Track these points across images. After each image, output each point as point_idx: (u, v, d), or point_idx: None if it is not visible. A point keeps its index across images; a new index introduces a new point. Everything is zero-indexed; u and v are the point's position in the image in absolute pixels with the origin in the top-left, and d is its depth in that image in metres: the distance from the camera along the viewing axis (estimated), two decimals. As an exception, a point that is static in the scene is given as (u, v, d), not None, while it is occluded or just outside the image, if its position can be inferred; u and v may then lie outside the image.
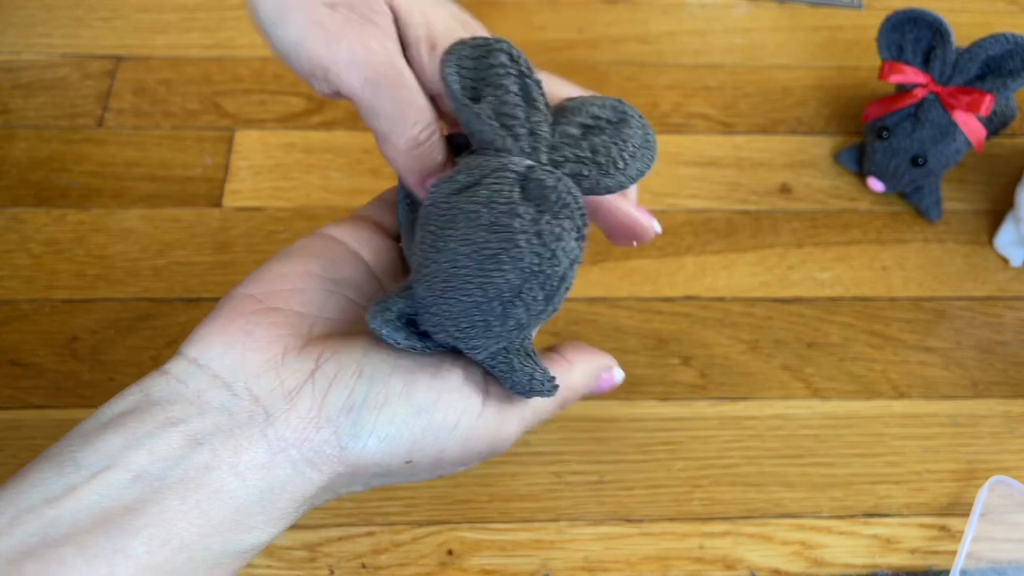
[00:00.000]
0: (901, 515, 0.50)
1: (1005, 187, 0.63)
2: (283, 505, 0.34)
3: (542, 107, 0.36)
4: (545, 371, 0.37)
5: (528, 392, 0.37)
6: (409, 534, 0.48)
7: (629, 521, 0.50)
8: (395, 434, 0.35)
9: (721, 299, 0.58)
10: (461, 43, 0.36)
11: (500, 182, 0.33)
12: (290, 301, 0.36)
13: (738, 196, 0.62)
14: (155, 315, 0.55)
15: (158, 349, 0.53)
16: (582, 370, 0.40)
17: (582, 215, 0.34)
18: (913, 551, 0.49)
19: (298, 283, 0.37)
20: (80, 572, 0.30)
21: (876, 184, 0.61)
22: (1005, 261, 0.60)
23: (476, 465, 0.39)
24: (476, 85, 0.35)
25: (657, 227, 0.41)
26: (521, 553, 0.48)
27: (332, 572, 0.47)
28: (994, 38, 0.56)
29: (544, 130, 0.35)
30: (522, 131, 0.35)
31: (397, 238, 0.41)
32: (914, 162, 0.59)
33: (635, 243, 0.42)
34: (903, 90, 0.60)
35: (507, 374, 0.36)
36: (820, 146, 0.65)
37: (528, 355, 0.37)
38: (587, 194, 0.35)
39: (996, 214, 0.62)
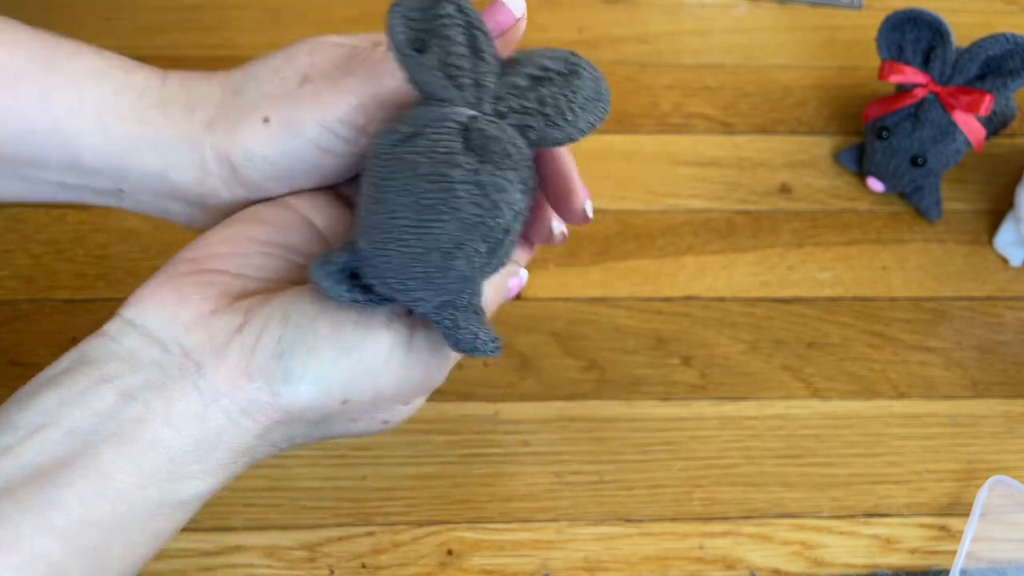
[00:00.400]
0: (901, 515, 0.50)
1: (1005, 187, 0.63)
2: (220, 455, 0.35)
3: (489, 58, 0.35)
4: (490, 331, 0.36)
5: (471, 351, 0.36)
6: (409, 534, 0.48)
7: (629, 521, 0.50)
8: (326, 375, 0.35)
9: (721, 299, 0.58)
10: None
11: (441, 132, 0.33)
12: (225, 263, 0.37)
13: (738, 196, 0.62)
14: (155, 315, 0.55)
15: (158, 349, 0.53)
16: (491, 286, 0.39)
17: (528, 167, 0.34)
18: (913, 551, 0.49)
19: (237, 247, 0.38)
20: (14, 523, 0.31)
21: (876, 184, 0.61)
22: (1005, 261, 0.60)
23: (418, 404, 0.40)
24: (422, 36, 0.35)
25: (590, 210, 0.40)
26: (521, 553, 0.48)
27: (332, 572, 0.47)
28: (994, 38, 0.56)
29: (490, 81, 0.35)
30: (467, 82, 0.34)
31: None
32: (914, 162, 0.59)
33: (561, 232, 0.41)
34: (903, 90, 0.60)
35: (451, 331, 0.35)
36: (820, 146, 0.65)
37: (475, 313, 0.36)
38: (535, 146, 0.35)
39: (996, 214, 0.62)
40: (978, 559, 0.48)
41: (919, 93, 0.59)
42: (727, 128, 0.65)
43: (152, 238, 0.57)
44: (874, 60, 0.60)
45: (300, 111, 0.38)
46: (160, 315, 0.35)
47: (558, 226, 0.41)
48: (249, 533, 0.48)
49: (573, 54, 0.36)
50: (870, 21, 0.69)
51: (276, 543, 0.48)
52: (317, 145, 0.38)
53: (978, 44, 0.56)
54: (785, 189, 0.62)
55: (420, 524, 0.49)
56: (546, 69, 0.35)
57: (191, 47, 0.66)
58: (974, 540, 0.48)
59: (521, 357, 0.54)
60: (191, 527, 0.47)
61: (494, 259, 0.34)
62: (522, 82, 0.35)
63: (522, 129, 0.34)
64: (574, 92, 0.35)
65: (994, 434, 0.53)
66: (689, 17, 0.71)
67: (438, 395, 0.52)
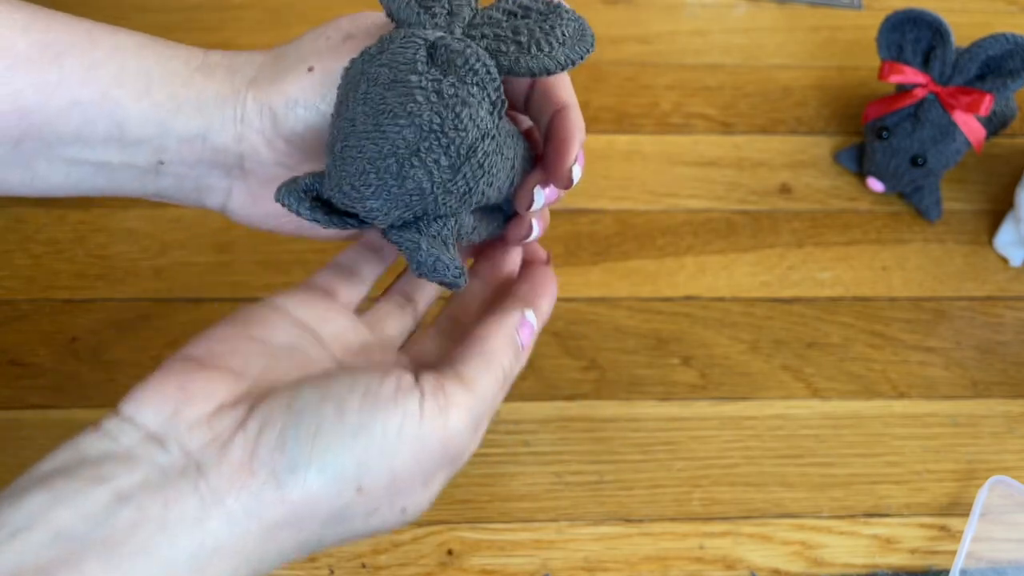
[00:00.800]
0: (901, 515, 0.50)
1: (1005, 187, 0.63)
2: (219, 566, 0.32)
3: None
4: (455, 259, 0.35)
5: (432, 274, 0.35)
6: (409, 534, 0.48)
7: (629, 521, 0.50)
8: (334, 461, 0.33)
9: (721, 299, 0.58)
10: None
11: (406, 46, 0.33)
12: (229, 362, 0.36)
13: (738, 196, 0.62)
14: (155, 315, 0.55)
15: (158, 349, 0.53)
16: (499, 337, 0.38)
17: (496, 88, 0.33)
18: (913, 551, 0.49)
19: (237, 345, 0.36)
20: None
21: (876, 184, 0.61)
22: (1005, 261, 0.60)
23: (443, 483, 0.37)
24: None
25: (577, 174, 0.39)
26: (521, 553, 0.48)
27: (332, 572, 0.47)
28: (994, 38, 0.56)
29: (465, 12, 0.35)
30: (440, 11, 0.34)
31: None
32: (914, 162, 0.59)
33: (544, 201, 0.40)
34: (903, 90, 0.60)
35: (412, 252, 0.35)
36: (820, 146, 0.65)
37: (442, 242, 0.35)
38: (507, 74, 0.34)
39: (996, 214, 0.62)
40: (978, 559, 0.48)
41: (919, 93, 0.59)
42: (727, 128, 0.65)
43: (152, 238, 0.57)
44: (874, 60, 0.61)
45: (343, 60, 0.37)
46: (161, 413, 0.33)
47: (540, 197, 0.40)
48: (249, 533, 0.48)
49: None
50: (870, 21, 0.69)
51: (276, 543, 0.48)
52: None
53: (978, 44, 0.56)
54: (785, 189, 0.62)
55: (420, 524, 0.49)
56: (525, 7, 0.35)
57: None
58: (974, 540, 0.48)
59: (521, 357, 0.54)
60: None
61: (458, 177, 0.33)
62: (498, 15, 0.35)
63: (493, 54, 0.34)
64: (552, 27, 0.35)
65: (994, 434, 0.53)
66: (689, 17, 0.71)
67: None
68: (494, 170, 0.35)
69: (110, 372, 0.53)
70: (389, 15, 0.35)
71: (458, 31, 0.34)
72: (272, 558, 0.34)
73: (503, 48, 0.34)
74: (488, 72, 0.33)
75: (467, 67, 0.33)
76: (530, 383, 0.53)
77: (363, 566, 0.47)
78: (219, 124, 0.39)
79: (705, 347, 0.55)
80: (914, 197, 0.61)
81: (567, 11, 0.36)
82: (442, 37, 0.33)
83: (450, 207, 0.35)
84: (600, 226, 0.60)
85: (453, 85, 0.32)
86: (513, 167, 0.37)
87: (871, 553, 0.49)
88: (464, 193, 0.34)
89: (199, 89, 0.39)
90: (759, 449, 0.52)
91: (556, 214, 0.60)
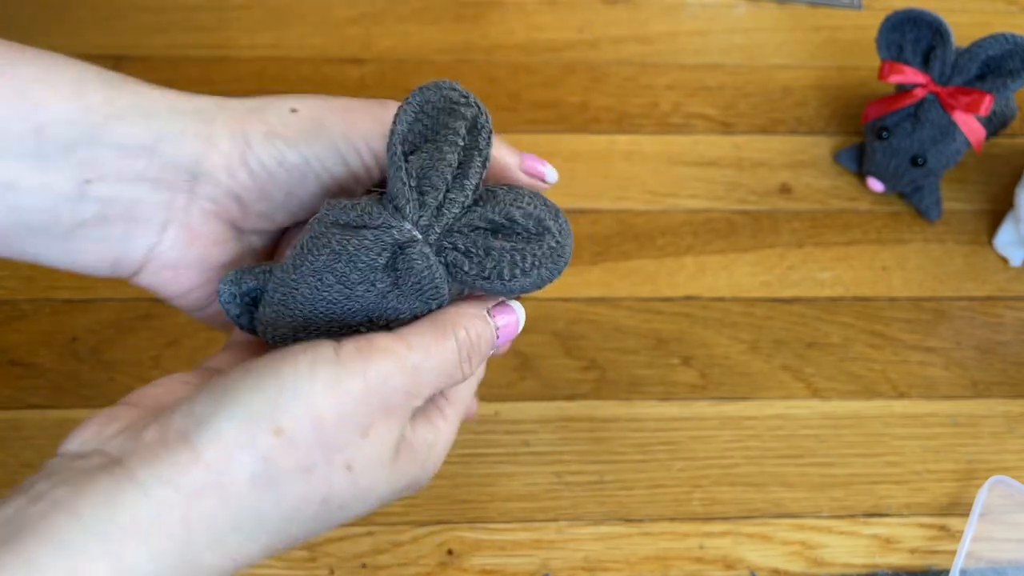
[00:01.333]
0: (901, 515, 0.50)
1: (1005, 187, 0.63)
2: (137, 548, 0.29)
3: (470, 187, 0.35)
4: None
5: None
6: (409, 534, 0.49)
7: (629, 521, 0.50)
8: (245, 404, 0.30)
9: (721, 299, 0.58)
10: (436, 85, 0.35)
11: (374, 244, 0.34)
12: (159, 398, 0.34)
13: (738, 196, 0.62)
14: (155, 315, 0.55)
15: (158, 349, 0.53)
16: (459, 311, 0.35)
17: (438, 303, 0.35)
18: (913, 551, 0.49)
19: (172, 388, 0.35)
20: None
21: (876, 184, 0.61)
22: (1005, 261, 0.60)
23: (389, 440, 0.33)
24: (424, 133, 0.35)
25: (552, 176, 0.39)
26: (521, 553, 0.48)
27: (332, 572, 0.47)
28: (994, 38, 0.56)
29: (453, 211, 0.34)
30: (431, 202, 0.34)
31: None
32: (914, 162, 0.59)
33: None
34: (903, 90, 0.60)
35: None
36: (820, 146, 0.65)
37: None
38: (463, 286, 0.35)
39: (996, 214, 0.62)
40: (978, 559, 0.48)
41: (919, 93, 0.59)
42: (727, 128, 0.65)
43: (152, 238, 0.57)
44: (874, 60, 0.61)
45: (329, 113, 0.37)
46: (85, 435, 0.32)
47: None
48: (249, 533, 0.48)
49: (549, 214, 0.35)
50: (870, 21, 0.69)
51: (276, 543, 0.48)
52: (338, 151, 0.37)
53: (978, 44, 0.56)
54: (785, 189, 0.62)
55: (420, 524, 0.49)
56: (512, 221, 0.35)
57: (191, 47, 0.66)
58: (974, 540, 0.48)
59: (521, 357, 0.54)
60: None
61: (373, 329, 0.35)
62: (481, 224, 0.35)
63: (453, 269, 0.35)
64: (524, 256, 0.34)
65: (994, 434, 0.53)
66: (689, 17, 0.71)
67: (438, 395, 0.53)
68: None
69: (110, 372, 0.53)
70: (387, 183, 0.35)
71: (433, 237, 0.34)
72: (203, 540, 0.30)
73: (464, 268, 0.34)
74: (436, 293, 0.35)
75: (415, 287, 0.34)
76: (530, 383, 0.53)
77: (363, 566, 0.47)
78: (175, 135, 0.35)
79: (705, 347, 0.55)
80: (914, 197, 0.61)
81: (552, 233, 0.35)
82: (413, 243, 0.34)
83: None
84: (600, 226, 0.60)
85: (396, 297, 0.35)
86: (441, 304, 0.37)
87: (871, 553, 0.49)
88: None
89: (150, 98, 0.35)
90: (759, 449, 0.52)
91: (556, 214, 0.60)
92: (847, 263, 0.59)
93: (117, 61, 0.65)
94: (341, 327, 0.35)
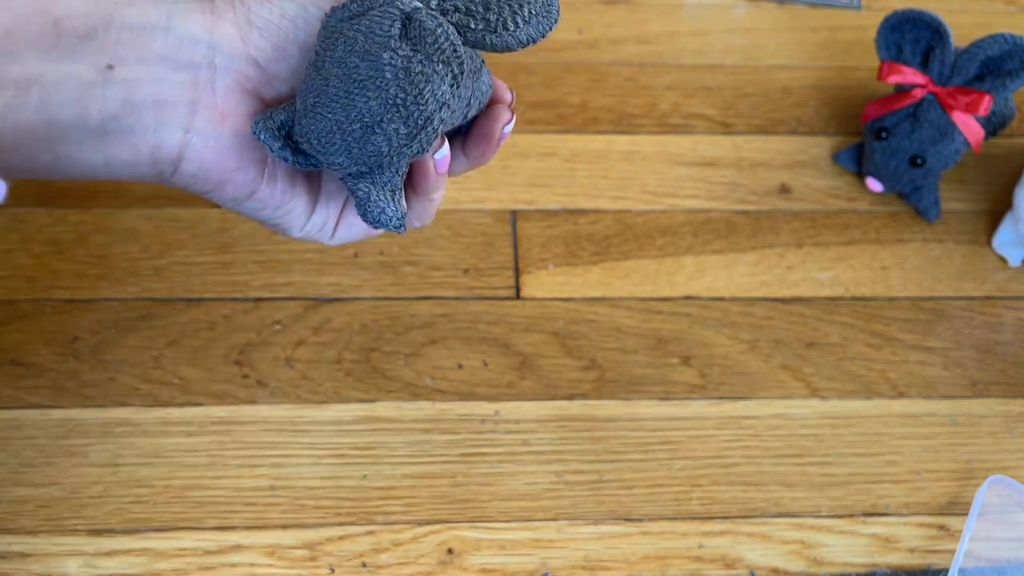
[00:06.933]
0: (900, 514, 0.50)
1: (1004, 187, 0.63)
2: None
3: None
4: (398, 209, 0.38)
5: (376, 223, 0.38)
6: (409, 533, 0.49)
7: (628, 520, 0.50)
8: None
9: (721, 299, 0.58)
10: None
11: (383, 16, 0.35)
12: None
13: (738, 196, 0.62)
14: (156, 315, 0.55)
15: (159, 349, 0.54)
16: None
17: (460, 63, 0.36)
18: (912, 550, 0.49)
19: None
20: None
21: (875, 184, 0.61)
22: (1004, 261, 0.60)
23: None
24: None
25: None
26: (521, 552, 0.48)
27: (333, 571, 0.47)
28: (993, 38, 0.56)
29: None
30: None
31: None
32: (913, 162, 0.59)
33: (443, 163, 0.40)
34: (902, 90, 0.60)
35: (363, 201, 0.38)
36: (820, 146, 0.65)
37: (391, 191, 0.38)
38: (472, 47, 0.37)
39: (995, 214, 0.62)
40: (977, 558, 0.48)
41: (918, 93, 0.59)
42: (727, 128, 0.65)
43: (153, 238, 0.58)
44: (873, 60, 0.61)
45: None
46: None
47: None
48: (250, 532, 0.48)
49: None
50: (869, 21, 0.69)
51: (277, 542, 0.48)
52: None
53: (977, 44, 0.56)
54: (785, 189, 0.62)
55: (420, 523, 0.49)
56: None
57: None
58: (973, 539, 0.48)
59: (521, 357, 0.54)
60: (191, 526, 0.48)
61: (414, 143, 0.36)
62: None
63: (461, 29, 0.36)
64: (521, 6, 0.37)
65: (993, 434, 0.53)
66: (689, 17, 0.71)
67: (438, 395, 0.53)
68: (447, 125, 0.38)
69: (110, 372, 0.53)
70: None
71: (433, 2, 0.36)
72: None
73: (471, 25, 0.36)
74: (455, 51, 0.35)
75: (435, 46, 0.35)
76: (530, 383, 0.54)
77: (363, 565, 0.48)
78: (183, 12, 0.37)
79: (705, 347, 0.56)
80: (913, 197, 0.62)
81: None
82: (418, 10, 0.35)
83: (402, 163, 0.38)
84: (600, 226, 0.60)
85: (421, 63, 0.35)
86: (468, 104, 0.39)
87: (870, 552, 0.49)
88: (417, 153, 0.37)
89: None
90: (758, 448, 0.52)
91: (556, 214, 0.60)
92: (846, 263, 0.59)
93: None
94: (373, 120, 0.35)
